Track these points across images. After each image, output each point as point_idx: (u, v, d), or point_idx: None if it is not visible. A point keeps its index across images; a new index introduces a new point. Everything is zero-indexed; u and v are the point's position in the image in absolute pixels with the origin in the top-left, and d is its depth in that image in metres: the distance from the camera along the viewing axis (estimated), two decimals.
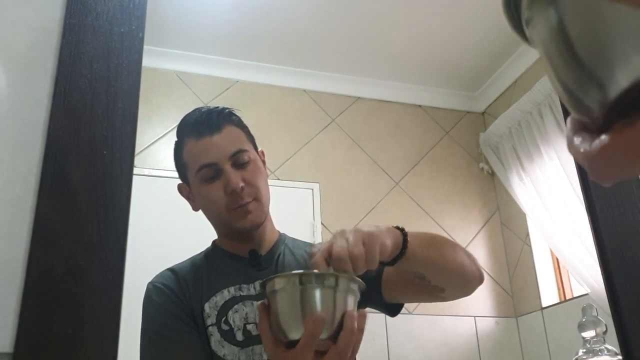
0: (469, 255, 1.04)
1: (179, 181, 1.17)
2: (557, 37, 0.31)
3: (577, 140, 0.32)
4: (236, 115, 1.14)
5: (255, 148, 1.15)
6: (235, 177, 1.05)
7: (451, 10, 2.91)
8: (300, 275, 0.76)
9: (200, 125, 1.08)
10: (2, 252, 0.75)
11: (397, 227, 0.91)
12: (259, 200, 1.08)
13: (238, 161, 1.07)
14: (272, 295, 0.76)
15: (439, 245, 1.01)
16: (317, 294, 0.74)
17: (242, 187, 1.05)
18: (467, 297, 1.06)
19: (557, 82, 0.32)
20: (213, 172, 1.06)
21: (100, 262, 0.77)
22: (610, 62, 0.28)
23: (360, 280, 0.78)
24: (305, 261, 1.11)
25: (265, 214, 1.11)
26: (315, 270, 0.76)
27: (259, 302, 0.79)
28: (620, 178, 0.32)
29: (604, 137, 0.30)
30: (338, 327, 0.74)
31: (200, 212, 1.14)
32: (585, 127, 0.32)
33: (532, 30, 0.33)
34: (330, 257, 0.78)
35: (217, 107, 1.13)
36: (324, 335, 0.73)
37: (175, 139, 1.14)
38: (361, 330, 0.76)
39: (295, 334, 0.73)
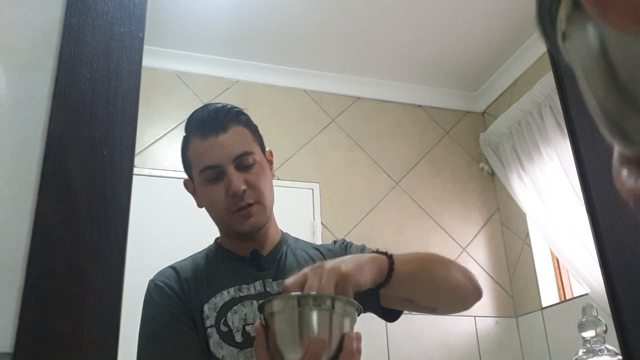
0: (464, 272, 1.03)
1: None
2: (597, 58, 0.28)
3: (623, 173, 0.30)
4: (244, 114, 1.13)
5: (263, 148, 1.14)
6: (238, 180, 1.04)
7: (451, 11, 2.91)
8: (298, 297, 0.76)
9: (206, 124, 1.07)
10: (2, 252, 0.75)
11: (385, 253, 0.89)
12: (261, 203, 1.08)
13: (242, 163, 1.06)
14: (270, 317, 0.76)
15: (430, 267, 1.00)
16: (314, 316, 0.74)
17: (243, 190, 1.04)
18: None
19: (595, 104, 0.30)
20: (216, 174, 1.06)
21: (100, 262, 0.77)
22: None
23: (357, 303, 0.78)
24: (306, 262, 1.11)
25: (268, 216, 1.11)
26: (313, 292, 0.76)
27: (256, 322, 0.79)
28: None
29: None
30: (335, 349, 0.74)
31: (202, 211, 1.14)
32: (632, 160, 0.30)
33: (570, 45, 0.31)
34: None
35: (226, 105, 1.12)
36: (322, 359, 0.73)
37: (184, 133, 1.14)
38: (359, 352, 0.76)
39: (292, 356, 0.73)
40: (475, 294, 1.03)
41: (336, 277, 0.79)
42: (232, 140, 1.07)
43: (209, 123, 1.07)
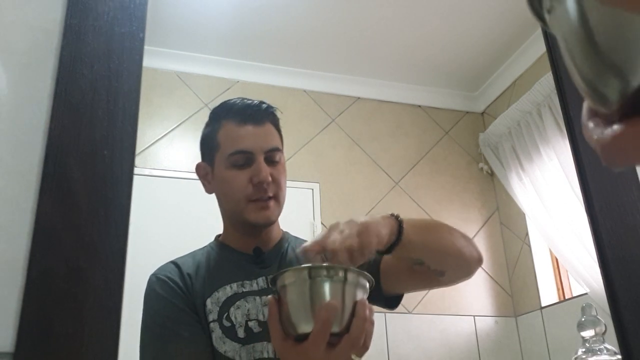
0: (466, 237, 1.05)
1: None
2: (577, 26, 0.31)
3: (590, 124, 0.33)
4: (278, 118, 1.16)
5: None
6: (266, 171, 1.06)
7: (451, 11, 2.91)
8: (309, 268, 0.76)
9: (246, 113, 1.10)
10: (3, 252, 0.75)
11: (392, 215, 0.92)
12: (278, 200, 1.09)
13: (271, 158, 1.09)
14: (282, 289, 0.77)
15: (435, 229, 1.03)
16: (327, 287, 0.74)
17: (269, 182, 1.06)
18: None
19: (575, 71, 0.32)
20: (245, 160, 1.07)
21: (100, 262, 0.77)
22: (631, 53, 0.29)
23: (370, 275, 0.78)
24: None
25: (279, 215, 1.12)
26: (325, 264, 0.77)
27: (270, 295, 0.79)
28: (631, 164, 0.32)
29: (616, 126, 0.30)
30: (348, 319, 0.74)
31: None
32: (598, 113, 0.32)
33: (553, 16, 0.33)
34: (324, 250, 0.79)
35: (264, 102, 1.15)
36: (335, 329, 0.73)
37: (208, 119, 1.15)
38: (372, 322, 0.76)
39: (305, 327, 0.74)
40: (477, 259, 1.05)
41: (357, 228, 0.81)
42: (267, 134, 1.10)
43: (248, 113, 1.10)
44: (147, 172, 2.84)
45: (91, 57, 0.86)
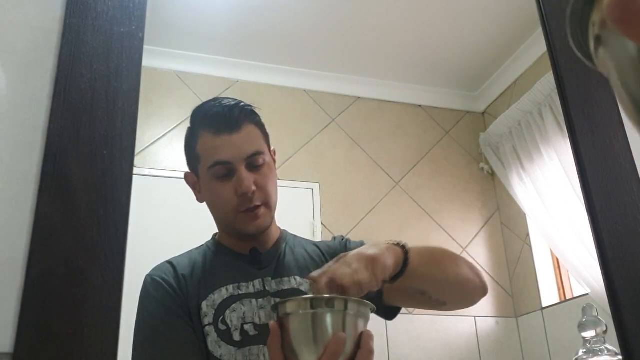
0: (472, 268, 1.05)
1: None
2: (634, 58, 0.29)
3: None
4: (257, 114, 1.12)
5: (269, 148, 1.14)
6: (248, 180, 1.03)
7: (451, 11, 2.91)
8: (311, 299, 0.77)
9: (220, 121, 1.05)
10: (2, 252, 0.75)
11: (399, 243, 0.92)
12: (268, 205, 1.07)
13: (253, 163, 1.06)
14: (285, 317, 0.77)
15: (441, 260, 1.02)
16: (331, 318, 0.75)
17: (253, 191, 1.04)
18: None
19: (628, 101, 0.31)
20: (226, 171, 1.04)
21: (100, 262, 0.77)
22: None
23: (371, 303, 0.79)
24: (305, 260, 1.11)
25: (272, 218, 1.11)
26: (327, 295, 0.77)
27: (272, 322, 0.79)
28: None
29: None
30: (352, 350, 0.75)
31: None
32: None
33: (604, 48, 0.32)
34: (334, 283, 0.79)
35: (239, 102, 1.10)
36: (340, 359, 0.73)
37: (189, 125, 1.11)
38: (373, 352, 0.77)
39: (307, 358, 0.74)
40: (482, 290, 1.06)
41: (366, 263, 0.81)
42: (245, 139, 1.06)
43: (223, 120, 1.05)
44: (146, 172, 2.84)
45: (90, 56, 0.86)
